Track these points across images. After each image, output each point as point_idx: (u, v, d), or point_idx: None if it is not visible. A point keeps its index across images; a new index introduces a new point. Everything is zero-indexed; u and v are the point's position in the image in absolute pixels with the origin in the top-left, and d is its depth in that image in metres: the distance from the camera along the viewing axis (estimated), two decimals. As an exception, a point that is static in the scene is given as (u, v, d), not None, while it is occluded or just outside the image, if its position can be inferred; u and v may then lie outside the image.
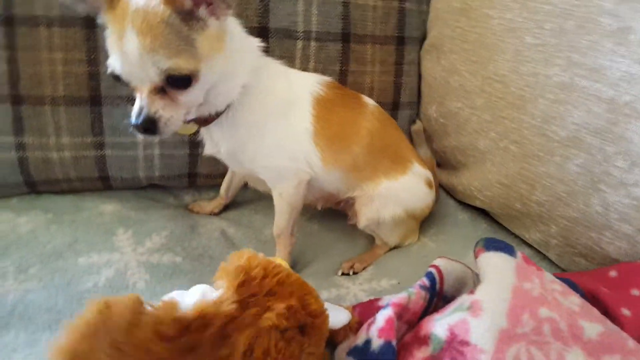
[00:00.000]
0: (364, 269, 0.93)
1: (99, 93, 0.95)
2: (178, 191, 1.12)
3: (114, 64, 0.68)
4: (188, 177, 1.08)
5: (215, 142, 0.84)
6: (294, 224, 0.91)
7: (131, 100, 0.94)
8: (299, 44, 1.03)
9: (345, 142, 0.88)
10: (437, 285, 0.68)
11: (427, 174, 0.97)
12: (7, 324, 0.73)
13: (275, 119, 0.82)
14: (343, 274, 0.91)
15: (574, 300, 0.59)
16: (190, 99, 0.71)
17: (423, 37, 1.15)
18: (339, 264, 0.94)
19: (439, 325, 0.59)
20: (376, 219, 0.92)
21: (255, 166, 0.85)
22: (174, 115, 0.69)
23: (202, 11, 0.68)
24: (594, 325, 0.56)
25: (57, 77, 0.93)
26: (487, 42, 0.86)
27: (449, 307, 0.61)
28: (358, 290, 0.86)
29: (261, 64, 0.81)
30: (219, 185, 1.08)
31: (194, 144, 1.04)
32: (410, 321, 0.65)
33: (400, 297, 0.63)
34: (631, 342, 0.55)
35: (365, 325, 0.66)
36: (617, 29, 0.66)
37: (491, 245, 0.63)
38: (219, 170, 1.08)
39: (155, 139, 0.80)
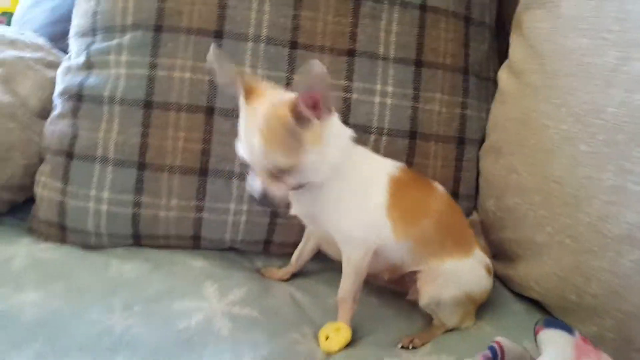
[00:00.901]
0: (422, 345, 0.99)
1: (207, 166, 1.14)
2: (252, 256, 1.25)
3: (241, 149, 0.87)
4: (264, 244, 1.22)
5: (303, 205, 0.99)
6: (358, 290, 1.01)
7: (238, 175, 1.14)
8: (372, 137, 1.20)
9: (415, 216, 1.00)
10: (499, 359, 0.75)
11: (487, 260, 1.06)
12: (117, 350, 0.86)
13: (356, 194, 0.97)
14: (402, 347, 0.98)
15: (630, 382, 0.64)
16: (294, 181, 0.89)
17: (482, 139, 1.29)
18: (397, 337, 1.00)
19: (502, 392, 0.65)
20: (437, 298, 0.99)
21: (333, 231, 0.99)
22: (282, 192, 0.88)
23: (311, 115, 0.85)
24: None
25: (177, 151, 1.13)
26: (545, 148, 0.99)
27: (511, 376, 0.67)
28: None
29: (351, 150, 0.98)
30: (289, 254, 1.21)
31: (275, 214, 1.18)
32: (474, 388, 0.71)
33: (465, 363, 0.70)
34: None
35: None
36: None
37: (551, 323, 0.71)
38: (291, 240, 1.21)
39: (268, 209, 1.00)
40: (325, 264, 1.20)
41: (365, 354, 0.96)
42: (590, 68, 0.90)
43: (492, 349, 0.75)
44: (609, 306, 0.87)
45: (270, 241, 1.21)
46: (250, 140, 0.84)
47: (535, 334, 0.72)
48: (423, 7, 1.21)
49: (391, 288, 1.13)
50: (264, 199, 0.87)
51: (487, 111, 1.30)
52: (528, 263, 1.06)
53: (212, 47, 0.87)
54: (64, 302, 0.95)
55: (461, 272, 0.99)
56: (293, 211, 1.03)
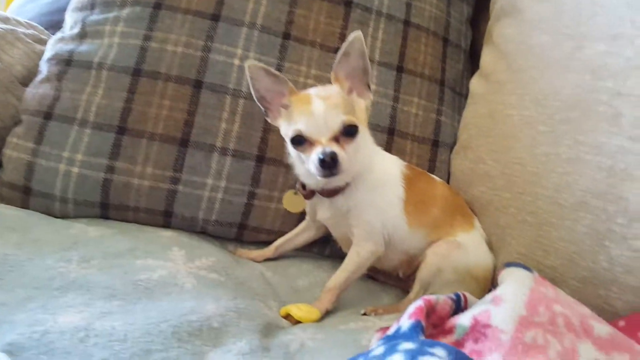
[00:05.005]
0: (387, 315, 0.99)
1: (188, 137, 1.15)
2: (224, 242, 1.22)
3: (300, 126, 0.94)
4: (237, 228, 1.20)
5: (331, 209, 1.05)
6: (348, 287, 1.03)
7: (220, 150, 1.17)
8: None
9: (426, 207, 1.08)
10: (462, 304, 0.76)
11: (485, 236, 1.12)
12: (67, 290, 0.83)
13: (379, 189, 1.05)
14: (364, 314, 0.99)
15: (585, 308, 0.66)
16: (352, 150, 0.95)
17: (454, 144, 1.36)
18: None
19: (464, 317, 0.66)
20: (441, 266, 1.02)
21: (356, 224, 1.03)
22: (344, 155, 0.93)
23: (353, 94, 1.00)
24: (603, 327, 0.63)
25: (160, 119, 1.14)
26: (508, 134, 1.07)
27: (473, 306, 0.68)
28: (384, 323, 0.91)
29: (374, 149, 1.09)
30: (261, 242, 1.20)
31: (252, 194, 1.18)
32: (436, 324, 0.71)
33: (430, 296, 0.71)
34: (638, 347, 0.61)
35: (395, 322, 0.72)
36: (611, 115, 0.86)
37: (512, 264, 0.73)
38: (265, 226, 1.21)
39: (332, 177, 0.96)
40: (297, 252, 1.21)
41: (332, 321, 0.95)
42: (549, 59, 1.01)
43: (456, 294, 0.77)
44: (566, 275, 0.90)
45: (245, 225, 1.20)
46: (312, 110, 0.93)
47: (498, 275, 0.74)
48: (407, 22, 1.34)
49: (398, 286, 1.16)
50: (330, 156, 0.91)
51: (459, 122, 1.38)
52: (494, 247, 1.10)
53: (252, 64, 0.99)
54: (17, 250, 0.90)
55: (468, 244, 1.05)
56: (319, 216, 1.08)
